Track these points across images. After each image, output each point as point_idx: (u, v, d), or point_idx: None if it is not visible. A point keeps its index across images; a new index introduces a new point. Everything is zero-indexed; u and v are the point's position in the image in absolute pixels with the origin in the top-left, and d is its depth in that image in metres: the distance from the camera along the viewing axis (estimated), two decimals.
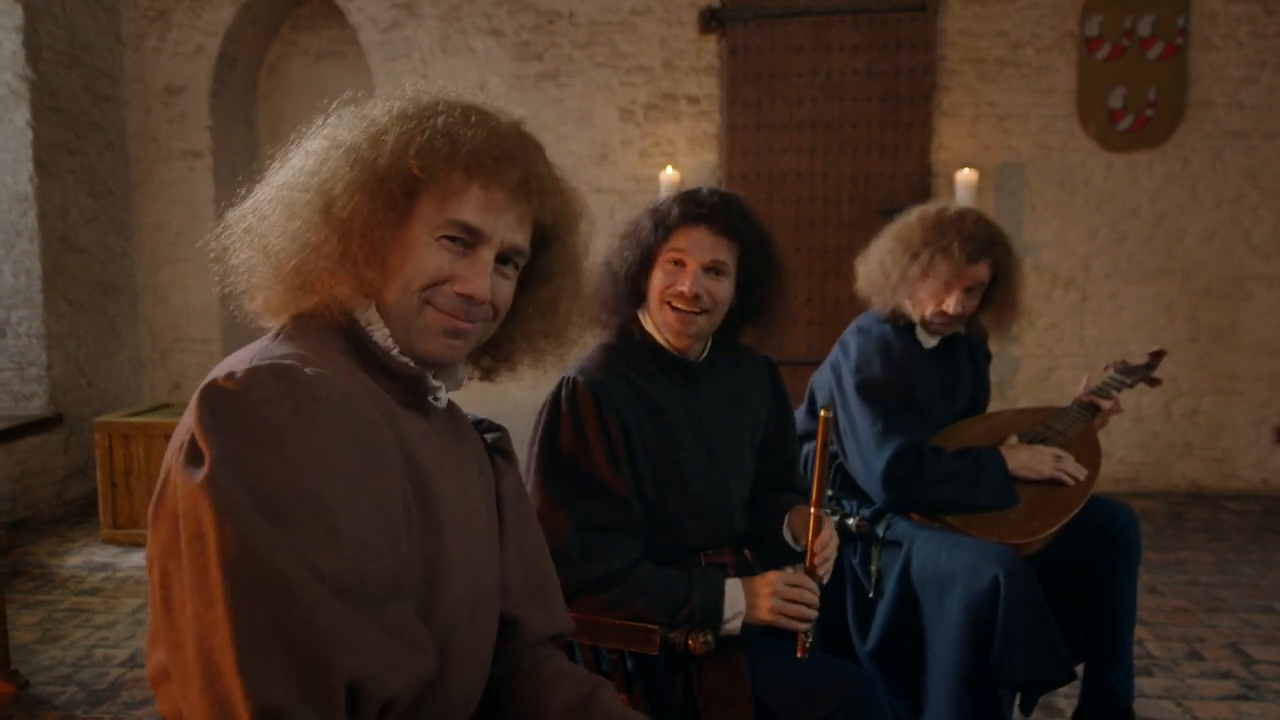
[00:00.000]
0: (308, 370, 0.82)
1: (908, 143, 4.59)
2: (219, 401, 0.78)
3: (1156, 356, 2.29)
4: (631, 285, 1.61)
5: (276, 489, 0.76)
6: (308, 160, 0.93)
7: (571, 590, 1.46)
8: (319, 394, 0.81)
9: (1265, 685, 2.58)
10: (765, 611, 1.47)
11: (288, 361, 0.82)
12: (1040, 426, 2.15)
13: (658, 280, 1.58)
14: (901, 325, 2.14)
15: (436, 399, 1.00)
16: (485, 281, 0.94)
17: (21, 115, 4.22)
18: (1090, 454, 2.08)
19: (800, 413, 2.15)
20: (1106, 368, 2.29)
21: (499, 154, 0.94)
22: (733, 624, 1.48)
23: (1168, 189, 4.55)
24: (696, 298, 1.54)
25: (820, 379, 2.19)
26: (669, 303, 1.57)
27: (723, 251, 1.56)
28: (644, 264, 1.59)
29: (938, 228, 2.05)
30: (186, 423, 0.80)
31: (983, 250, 2.03)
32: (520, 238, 0.98)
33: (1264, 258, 4.54)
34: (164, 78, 4.86)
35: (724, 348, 1.70)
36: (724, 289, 1.57)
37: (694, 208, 1.56)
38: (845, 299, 2.23)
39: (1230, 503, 4.48)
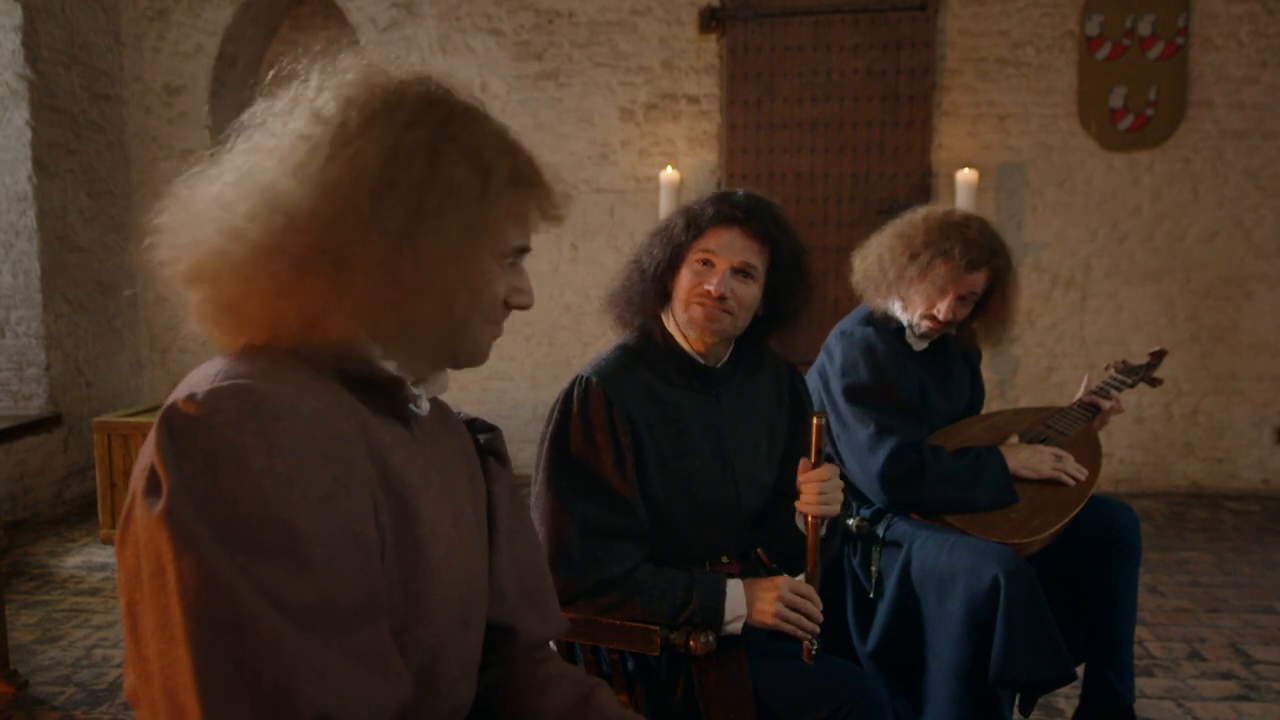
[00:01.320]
0: (271, 388, 0.79)
1: (908, 142, 4.58)
2: (179, 427, 0.76)
3: (1157, 356, 2.29)
4: (659, 284, 1.59)
5: (240, 517, 0.73)
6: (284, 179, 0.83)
7: (573, 594, 1.45)
8: (282, 413, 0.77)
9: (1266, 685, 2.58)
10: (768, 615, 1.46)
11: (249, 381, 0.79)
12: (1041, 426, 2.15)
13: (685, 280, 1.56)
14: (889, 327, 2.12)
15: (417, 406, 0.96)
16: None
17: (21, 115, 4.22)
18: (1091, 454, 2.07)
19: None
20: (1107, 368, 2.29)
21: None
22: (733, 625, 1.47)
23: (1168, 189, 4.54)
24: (722, 299, 1.52)
25: (812, 380, 2.18)
26: (696, 302, 1.55)
27: (753, 255, 1.54)
28: (673, 263, 1.57)
29: (942, 230, 2.04)
30: (148, 450, 0.77)
31: (983, 259, 2.01)
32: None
33: (1265, 258, 4.53)
34: (163, 77, 4.85)
35: (746, 352, 1.68)
36: (751, 292, 1.55)
37: (728, 209, 1.54)
38: (845, 299, 2.22)
39: (1231, 503, 4.47)
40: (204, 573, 0.71)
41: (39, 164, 4.27)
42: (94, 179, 4.64)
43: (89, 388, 4.62)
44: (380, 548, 0.83)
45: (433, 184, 0.85)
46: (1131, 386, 2.23)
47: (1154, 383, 2.30)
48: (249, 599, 0.72)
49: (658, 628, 1.44)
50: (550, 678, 1.08)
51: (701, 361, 1.60)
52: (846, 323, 2.19)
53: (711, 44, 4.68)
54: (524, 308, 0.97)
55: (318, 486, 0.77)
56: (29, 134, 4.22)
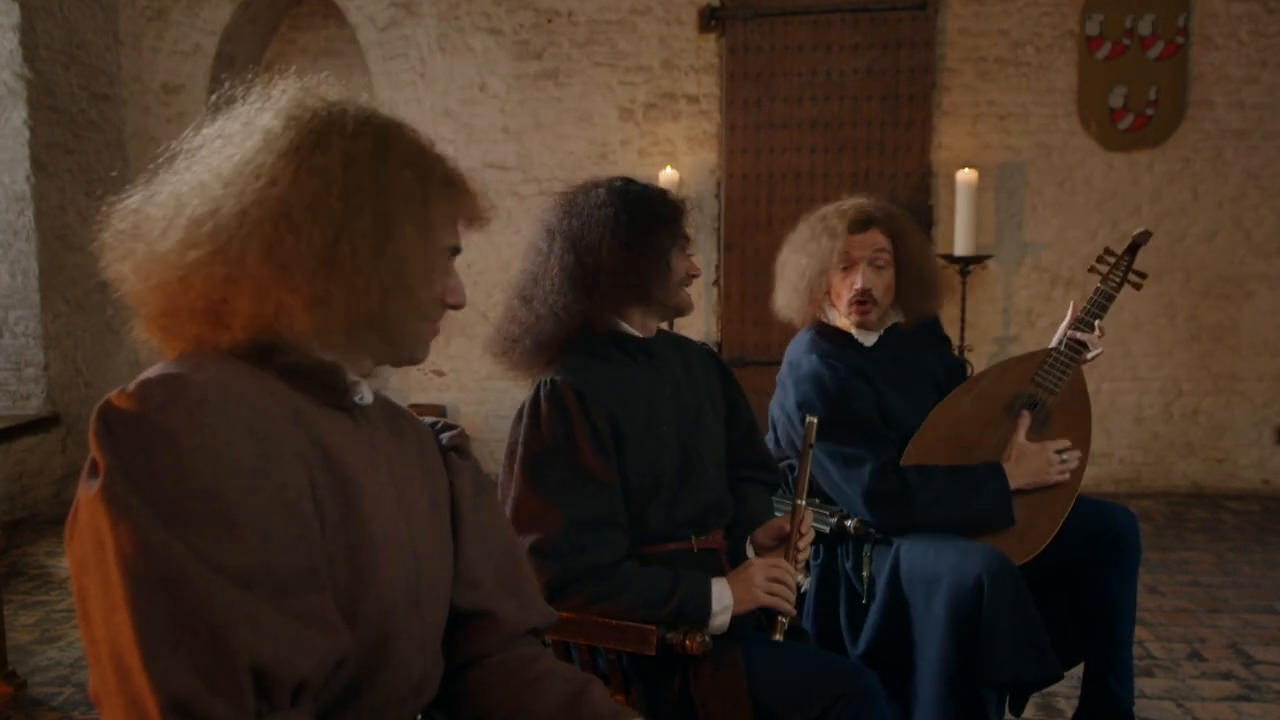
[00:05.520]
0: (198, 376, 0.85)
1: (908, 142, 4.58)
2: (113, 417, 0.81)
3: (1140, 239, 2.20)
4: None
5: (170, 491, 0.78)
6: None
7: (565, 580, 1.47)
8: (209, 396, 0.83)
9: (1266, 686, 2.57)
10: (756, 594, 1.52)
11: (177, 370, 0.85)
12: (1030, 386, 2.09)
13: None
14: (833, 337, 2.08)
15: (358, 395, 1.00)
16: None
17: (19, 114, 4.21)
18: (1081, 414, 2.05)
19: (768, 439, 2.09)
20: (1091, 269, 2.26)
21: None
22: (721, 618, 1.50)
23: (1168, 189, 4.54)
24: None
25: (776, 410, 2.12)
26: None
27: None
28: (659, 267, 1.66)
29: (819, 216, 2.08)
30: (90, 442, 0.83)
31: (865, 220, 2.01)
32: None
33: (1265, 258, 4.53)
34: (162, 76, 4.85)
35: (661, 331, 1.75)
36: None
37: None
38: None
39: (1231, 503, 4.47)
40: (139, 537, 0.76)
41: (37, 163, 4.26)
42: (92, 178, 4.63)
43: (87, 388, 4.61)
44: (319, 520, 0.88)
45: (385, 188, 0.94)
46: (1115, 294, 2.23)
47: (1140, 277, 2.27)
48: (181, 557, 0.77)
49: (654, 627, 1.44)
50: (542, 675, 1.09)
51: (640, 336, 1.66)
52: (793, 351, 2.13)
53: (711, 43, 4.67)
54: (458, 307, 1.06)
55: (246, 460, 0.82)
56: (27, 133, 4.22)
